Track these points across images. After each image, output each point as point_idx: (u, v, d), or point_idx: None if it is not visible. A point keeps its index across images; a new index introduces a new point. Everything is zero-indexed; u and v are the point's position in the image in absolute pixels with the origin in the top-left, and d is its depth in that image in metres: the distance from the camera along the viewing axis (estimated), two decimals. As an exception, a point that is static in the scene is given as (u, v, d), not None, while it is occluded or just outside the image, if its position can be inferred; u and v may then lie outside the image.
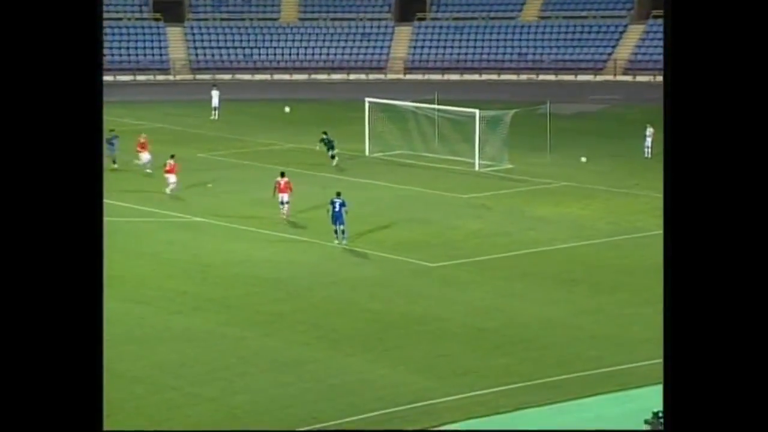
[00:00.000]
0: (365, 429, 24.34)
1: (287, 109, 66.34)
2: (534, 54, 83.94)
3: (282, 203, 42.15)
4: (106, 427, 19.86)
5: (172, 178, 47.56)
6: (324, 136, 53.82)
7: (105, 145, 50.06)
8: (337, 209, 38.70)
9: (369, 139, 56.89)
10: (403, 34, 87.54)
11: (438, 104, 57.21)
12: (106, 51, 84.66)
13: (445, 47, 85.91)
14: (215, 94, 68.99)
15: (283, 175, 42.86)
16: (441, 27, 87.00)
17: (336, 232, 39.00)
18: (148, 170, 49.97)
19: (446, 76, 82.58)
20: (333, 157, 53.16)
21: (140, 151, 50.67)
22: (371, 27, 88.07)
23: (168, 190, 46.46)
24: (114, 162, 50.78)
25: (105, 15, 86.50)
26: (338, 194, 39.54)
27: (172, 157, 47.58)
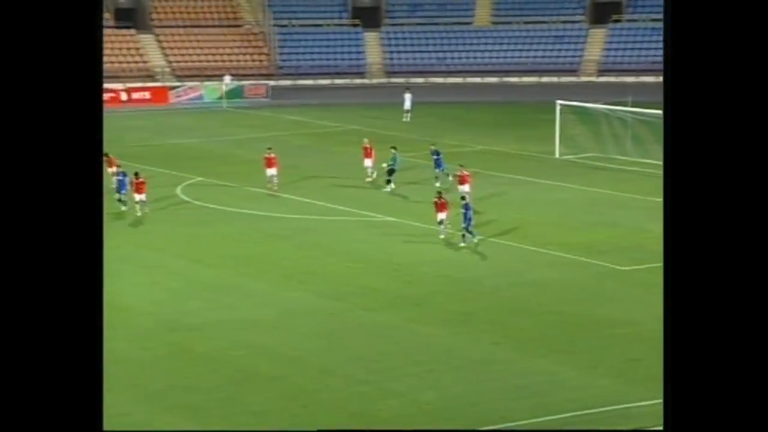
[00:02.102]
0: (554, 429, 23.98)
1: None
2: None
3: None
4: (309, 416, 19.41)
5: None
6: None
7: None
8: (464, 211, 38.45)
9: (559, 141, 56.23)
10: (598, 36, 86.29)
11: (632, 107, 56.13)
12: (306, 56, 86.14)
13: (640, 49, 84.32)
14: (407, 97, 69.30)
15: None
16: (637, 29, 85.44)
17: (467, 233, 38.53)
18: (368, 179, 49.82)
19: (641, 79, 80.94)
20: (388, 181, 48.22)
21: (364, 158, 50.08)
22: (564, 29, 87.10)
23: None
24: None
25: (307, 21, 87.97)
26: (462, 198, 39.55)
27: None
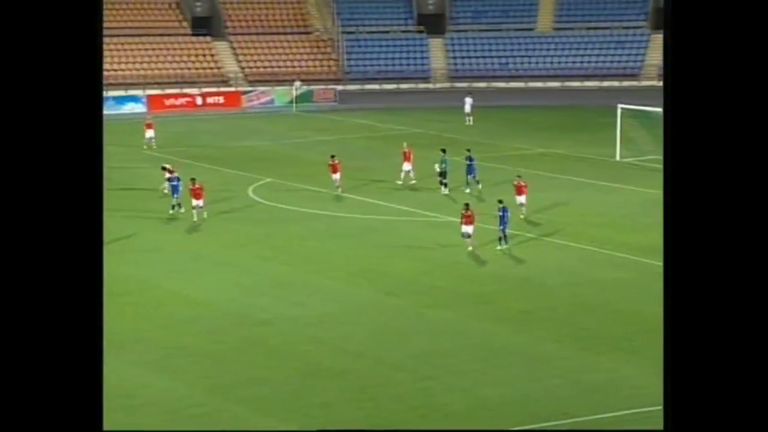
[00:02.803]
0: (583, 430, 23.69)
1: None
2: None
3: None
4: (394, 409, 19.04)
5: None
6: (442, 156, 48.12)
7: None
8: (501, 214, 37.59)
9: (620, 144, 55.67)
10: (659, 41, 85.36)
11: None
12: (373, 62, 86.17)
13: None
14: (468, 101, 69.04)
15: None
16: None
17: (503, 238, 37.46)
18: (398, 181, 49.72)
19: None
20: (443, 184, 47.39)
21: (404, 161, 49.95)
22: (626, 35, 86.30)
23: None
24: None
25: (374, 28, 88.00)
26: (500, 201, 38.48)
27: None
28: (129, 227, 41.79)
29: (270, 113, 76.51)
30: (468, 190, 46.60)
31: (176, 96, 79.32)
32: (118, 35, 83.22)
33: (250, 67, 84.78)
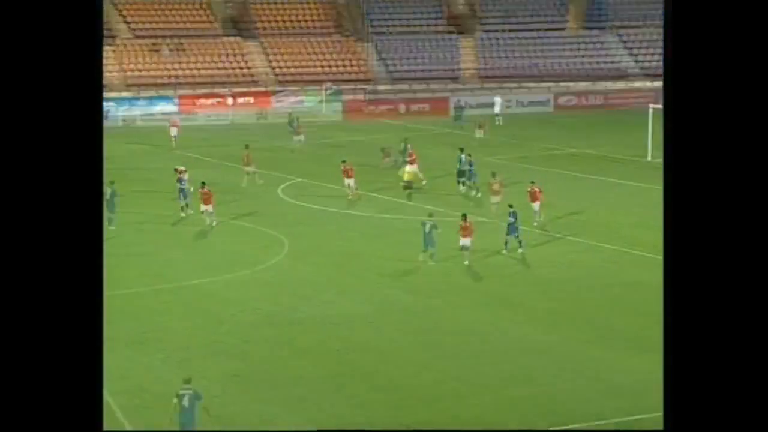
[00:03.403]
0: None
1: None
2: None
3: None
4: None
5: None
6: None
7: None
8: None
9: (651, 144, 55.36)
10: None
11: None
12: (403, 62, 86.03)
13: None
14: (498, 101, 68.82)
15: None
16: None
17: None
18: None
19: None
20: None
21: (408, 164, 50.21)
22: (658, 35, 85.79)
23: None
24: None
25: (404, 29, 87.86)
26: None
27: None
28: (161, 226, 41.85)
29: (300, 113, 76.58)
30: (464, 188, 46.85)
31: (207, 96, 79.54)
32: (150, 36, 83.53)
33: (281, 68, 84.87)
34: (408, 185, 48.06)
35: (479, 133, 61.99)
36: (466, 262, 36.26)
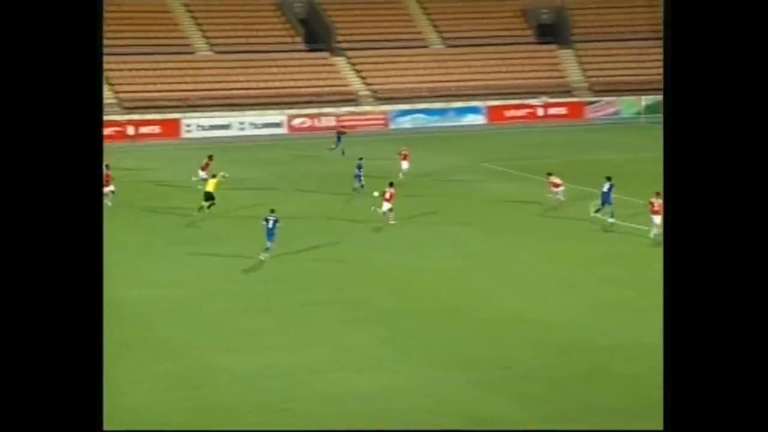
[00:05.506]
0: None
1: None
2: None
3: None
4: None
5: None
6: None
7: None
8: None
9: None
10: None
11: None
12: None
13: None
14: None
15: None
16: None
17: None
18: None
19: None
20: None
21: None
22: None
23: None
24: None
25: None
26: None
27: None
28: (480, 241, 42.21)
29: (615, 125, 75.47)
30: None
31: (517, 107, 79.75)
32: (463, 45, 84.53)
33: (596, 76, 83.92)
34: None
35: None
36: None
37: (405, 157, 55.32)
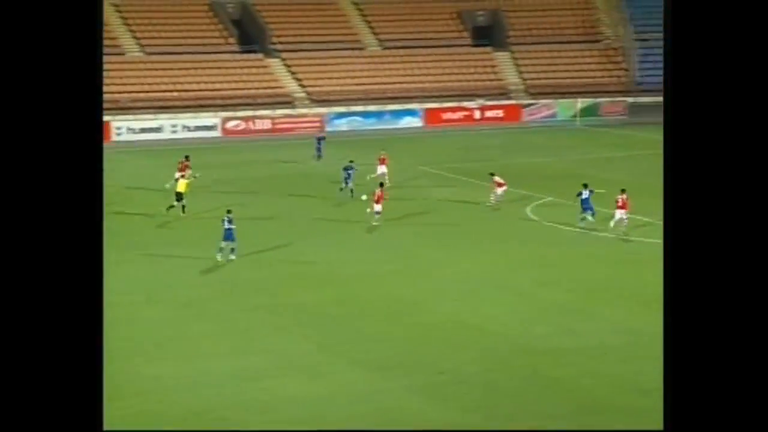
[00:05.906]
0: None
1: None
2: None
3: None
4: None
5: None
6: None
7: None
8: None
9: None
10: None
11: None
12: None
13: None
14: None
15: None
16: None
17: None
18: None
19: None
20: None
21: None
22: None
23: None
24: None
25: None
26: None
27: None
28: (415, 244, 42.27)
29: (552, 127, 76.01)
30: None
31: (454, 110, 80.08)
32: (399, 47, 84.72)
33: (532, 79, 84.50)
34: None
35: None
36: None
37: (382, 162, 54.69)
